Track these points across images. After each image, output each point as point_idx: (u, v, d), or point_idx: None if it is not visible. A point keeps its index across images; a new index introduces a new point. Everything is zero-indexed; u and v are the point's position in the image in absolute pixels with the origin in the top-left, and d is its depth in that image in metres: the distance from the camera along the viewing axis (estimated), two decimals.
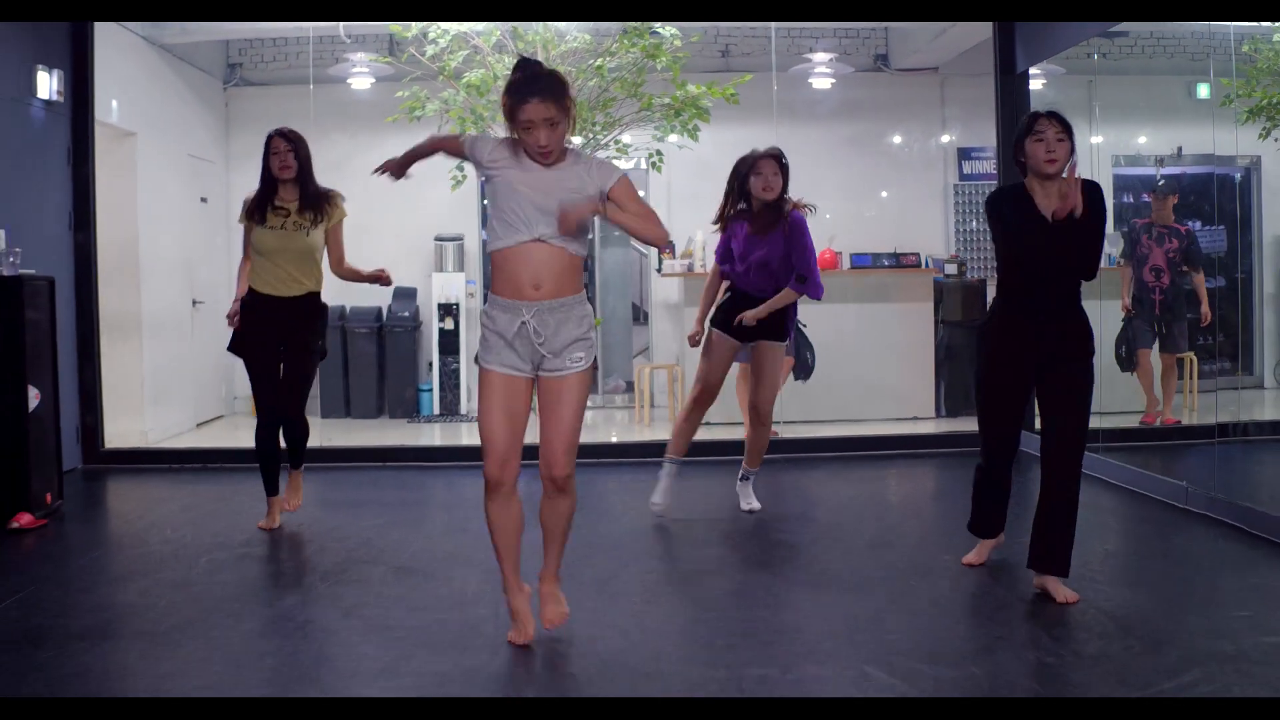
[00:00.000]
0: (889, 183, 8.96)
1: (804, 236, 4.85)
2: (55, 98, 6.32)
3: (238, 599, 3.91)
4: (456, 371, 8.59)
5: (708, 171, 8.16)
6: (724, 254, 5.00)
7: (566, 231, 3.14)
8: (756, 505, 5.15)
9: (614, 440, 7.63)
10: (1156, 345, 6.96)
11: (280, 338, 4.84)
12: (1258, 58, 5.78)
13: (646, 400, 8.16)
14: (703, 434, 7.01)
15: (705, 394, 4.99)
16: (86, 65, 6.61)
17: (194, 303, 8.24)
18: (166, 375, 7.73)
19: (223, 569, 4.28)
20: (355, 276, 4.99)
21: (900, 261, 8.06)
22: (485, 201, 3.22)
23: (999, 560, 4.15)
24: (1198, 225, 7.31)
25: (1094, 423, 6.39)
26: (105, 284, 6.86)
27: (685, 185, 8.41)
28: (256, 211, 4.87)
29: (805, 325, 7.47)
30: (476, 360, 3.32)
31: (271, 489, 4.99)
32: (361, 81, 8.23)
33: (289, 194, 4.86)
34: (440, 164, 8.25)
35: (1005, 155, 6.87)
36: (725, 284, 5.09)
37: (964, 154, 9.01)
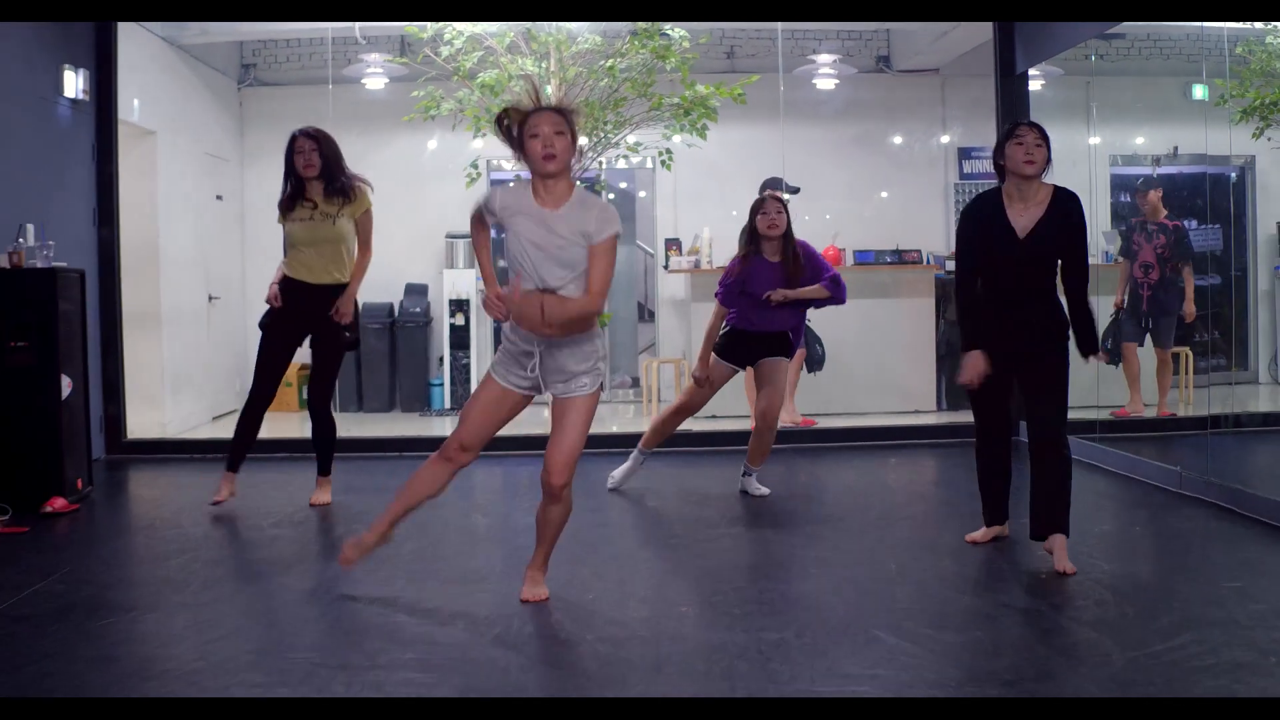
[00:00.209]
0: (891, 181, 9.14)
1: (818, 260, 5.27)
2: (81, 97, 6.50)
3: (274, 574, 4.09)
4: (467, 366, 8.76)
5: (714, 170, 8.39)
6: (731, 294, 5.24)
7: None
8: (765, 490, 5.35)
9: (627, 430, 7.79)
10: (1149, 341, 7.12)
11: (307, 328, 5.07)
12: (1251, 59, 5.94)
13: (655, 394, 8.33)
14: (711, 425, 7.25)
15: (688, 407, 5.37)
16: (111, 65, 6.79)
17: (210, 298, 8.41)
18: (184, 369, 7.90)
19: (256, 548, 4.46)
20: (357, 274, 5.14)
21: (903, 258, 8.24)
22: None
23: (999, 540, 4.33)
24: (1193, 224, 7.48)
25: (1091, 414, 6.60)
26: (126, 278, 7.04)
27: (692, 183, 8.60)
28: (286, 205, 5.08)
29: (810, 320, 7.65)
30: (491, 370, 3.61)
31: (232, 466, 5.20)
32: (375, 81, 8.41)
33: (315, 190, 5.06)
34: (452, 162, 8.53)
35: None
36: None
37: (964, 153, 9.19)
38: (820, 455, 6.67)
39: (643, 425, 7.98)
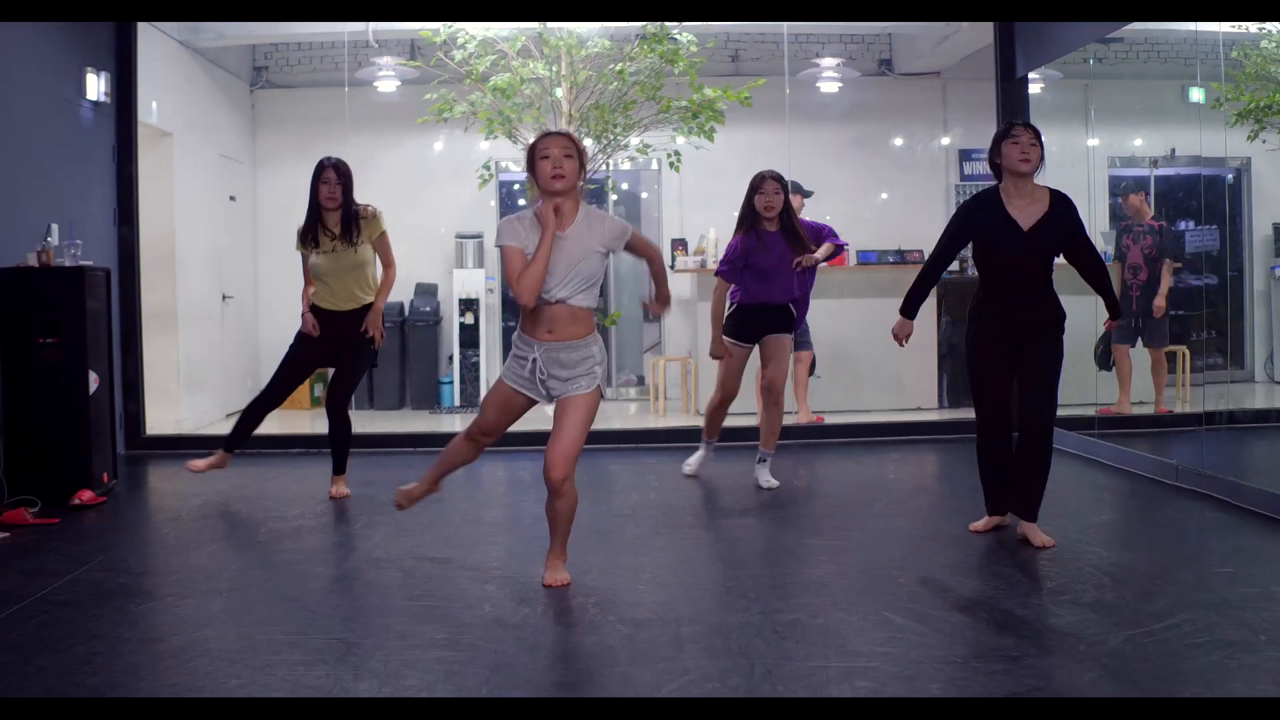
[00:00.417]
0: (893, 183, 9.30)
1: (811, 223, 5.97)
2: (103, 99, 6.65)
3: (303, 562, 4.25)
4: (476, 365, 8.91)
5: (720, 172, 8.52)
6: (735, 270, 5.44)
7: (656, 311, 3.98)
8: (774, 482, 5.52)
9: (631, 427, 7.94)
10: (1139, 342, 7.25)
11: (332, 350, 5.39)
12: (1246, 63, 6.08)
13: (662, 392, 8.48)
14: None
15: (726, 397, 5.63)
16: (131, 68, 6.95)
17: (224, 297, 8.56)
18: (199, 366, 8.05)
19: (283, 538, 4.61)
20: (383, 292, 5.43)
21: (904, 259, 8.38)
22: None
23: (1002, 529, 4.49)
24: (1190, 225, 7.62)
25: (1089, 410, 6.75)
26: (144, 277, 7.19)
27: (698, 185, 8.75)
28: (309, 237, 5.34)
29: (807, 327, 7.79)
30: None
31: (229, 446, 5.52)
32: (388, 84, 8.56)
33: (332, 221, 5.34)
34: (461, 164, 8.69)
35: None
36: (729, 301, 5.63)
37: (965, 155, 9.35)
38: (825, 450, 6.83)
39: (647, 423, 8.17)
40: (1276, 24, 5.88)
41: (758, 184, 5.42)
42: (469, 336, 8.90)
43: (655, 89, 7.24)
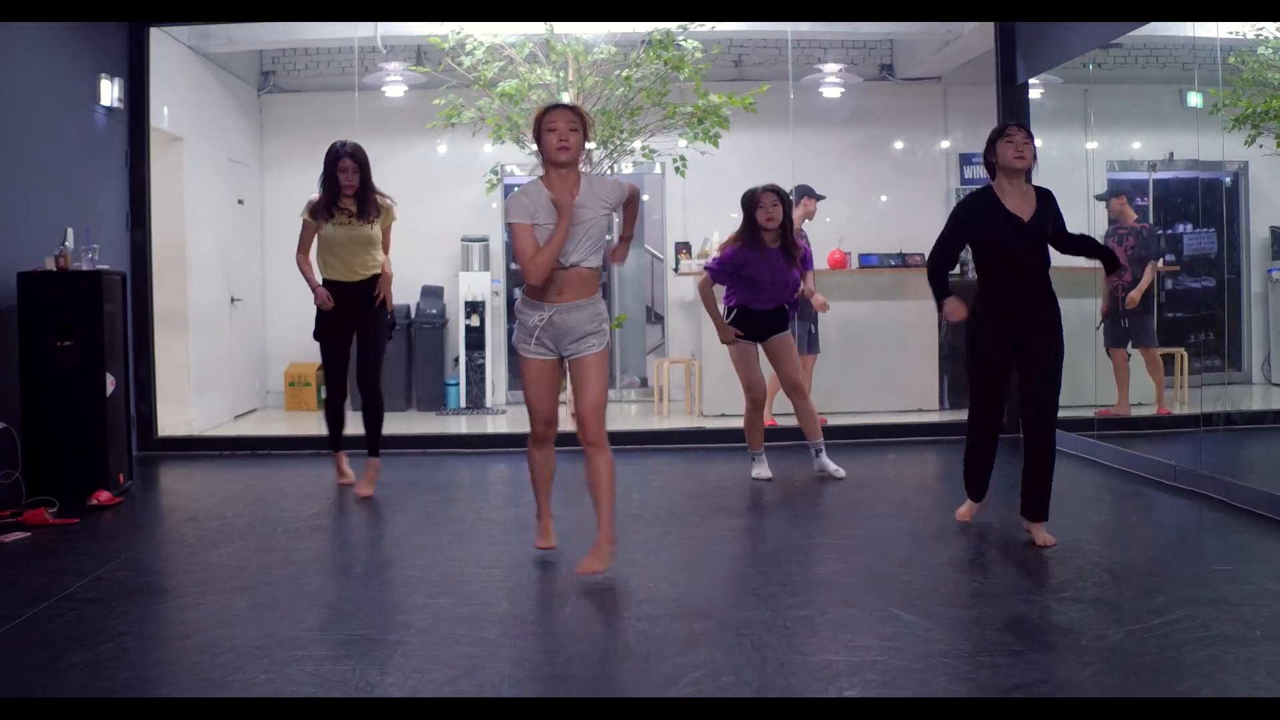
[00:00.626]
0: (895, 186, 9.40)
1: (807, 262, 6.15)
2: (116, 105, 6.75)
3: (322, 560, 4.35)
4: (482, 367, 9.00)
5: (723, 176, 8.61)
6: (724, 274, 5.70)
7: (615, 260, 4.04)
8: (841, 472, 5.86)
9: (633, 428, 8.03)
10: (1142, 343, 7.34)
11: (351, 321, 5.55)
12: (1243, 69, 6.16)
13: (665, 394, 8.57)
14: (721, 423, 7.50)
15: (756, 400, 5.82)
16: (144, 74, 7.05)
17: (232, 300, 8.65)
18: (208, 368, 8.14)
19: (301, 537, 4.70)
20: (388, 265, 5.66)
21: (906, 261, 8.47)
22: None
23: (1002, 526, 4.60)
24: (1188, 228, 7.71)
25: (1088, 412, 6.85)
26: (155, 281, 7.27)
27: (702, 189, 8.84)
28: (324, 212, 5.50)
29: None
30: (514, 346, 4.05)
31: (336, 445, 5.86)
32: (395, 89, 8.65)
33: (349, 202, 5.54)
34: (467, 168, 8.78)
35: None
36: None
37: (965, 159, 9.44)
38: (828, 451, 6.90)
39: (651, 424, 8.26)
40: (1273, 31, 5.97)
41: (756, 198, 5.59)
42: (475, 339, 8.99)
43: (661, 95, 7.34)
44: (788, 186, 7.94)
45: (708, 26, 7.35)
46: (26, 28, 5.71)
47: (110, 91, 6.67)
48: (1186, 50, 6.47)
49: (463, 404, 8.99)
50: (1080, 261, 7.90)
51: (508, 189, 9.17)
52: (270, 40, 8.57)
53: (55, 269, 5.49)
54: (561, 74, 7.31)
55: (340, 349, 5.63)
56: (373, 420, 5.65)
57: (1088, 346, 7.30)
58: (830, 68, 8.94)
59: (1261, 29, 6.00)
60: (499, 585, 3.91)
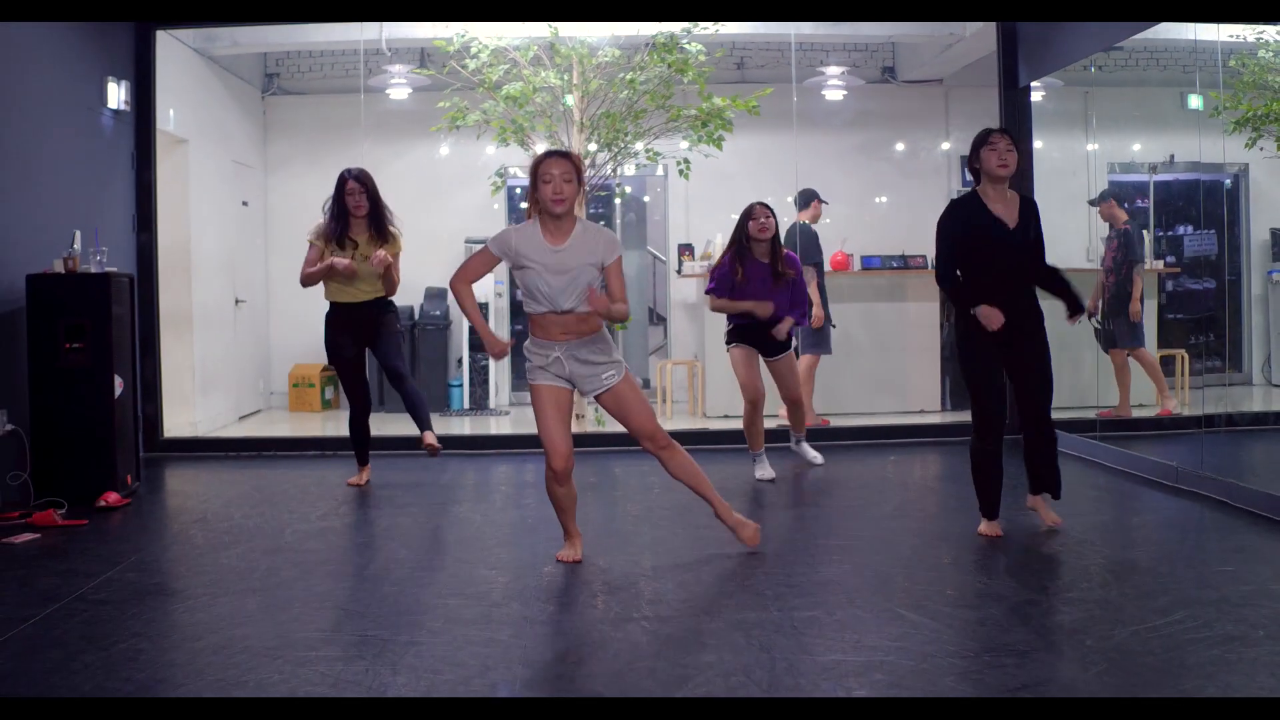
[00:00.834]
0: (896, 188, 9.43)
1: (800, 280, 5.91)
2: (123, 107, 6.78)
3: (331, 561, 4.38)
4: (486, 368, 9.04)
5: (725, 179, 8.67)
6: (724, 289, 5.82)
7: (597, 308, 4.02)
8: (820, 458, 6.12)
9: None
10: (1140, 345, 7.38)
11: (361, 337, 5.74)
12: (1244, 72, 6.20)
13: (669, 395, 8.61)
14: (725, 424, 7.54)
15: (754, 401, 5.90)
16: (150, 76, 7.08)
17: (236, 301, 8.69)
18: (213, 370, 8.17)
19: (310, 538, 4.74)
20: (388, 277, 5.78)
21: (908, 263, 8.51)
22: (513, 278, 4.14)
23: (1005, 528, 4.62)
24: (1189, 230, 7.74)
25: (1090, 413, 6.88)
26: (161, 282, 7.31)
27: (704, 191, 8.87)
28: (333, 240, 5.65)
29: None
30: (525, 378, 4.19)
31: (361, 460, 5.97)
32: (399, 91, 8.69)
33: (359, 229, 5.69)
34: (470, 170, 8.81)
35: None
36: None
37: (967, 161, 9.46)
38: (831, 453, 6.93)
39: (662, 425, 8.28)
40: (1274, 34, 6.01)
41: (749, 210, 5.76)
42: (478, 340, 9.00)
43: (665, 98, 7.37)
44: (790, 189, 8.03)
45: (711, 29, 7.38)
46: (34, 31, 5.74)
47: (117, 94, 6.70)
48: (1187, 53, 6.51)
49: (466, 405, 9.02)
50: (1078, 262, 8.03)
51: (512, 191, 9.21)
52: (275, 43, 8.61)
53: (64, 271, 5.52)
54: (566, 77, 7.34)
55: (356, 363, 5.81)
56: (416, 409, 5.86)
57: (1090, 347, 7.34)
58: (832, 70, 8.98)
59: (1262, 32, 6.03)
60: (508, 586, 3.94)
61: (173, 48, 7.56)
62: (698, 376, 8.50)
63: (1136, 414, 7.27)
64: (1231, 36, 6.00)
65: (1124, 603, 3.61)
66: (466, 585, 3.96)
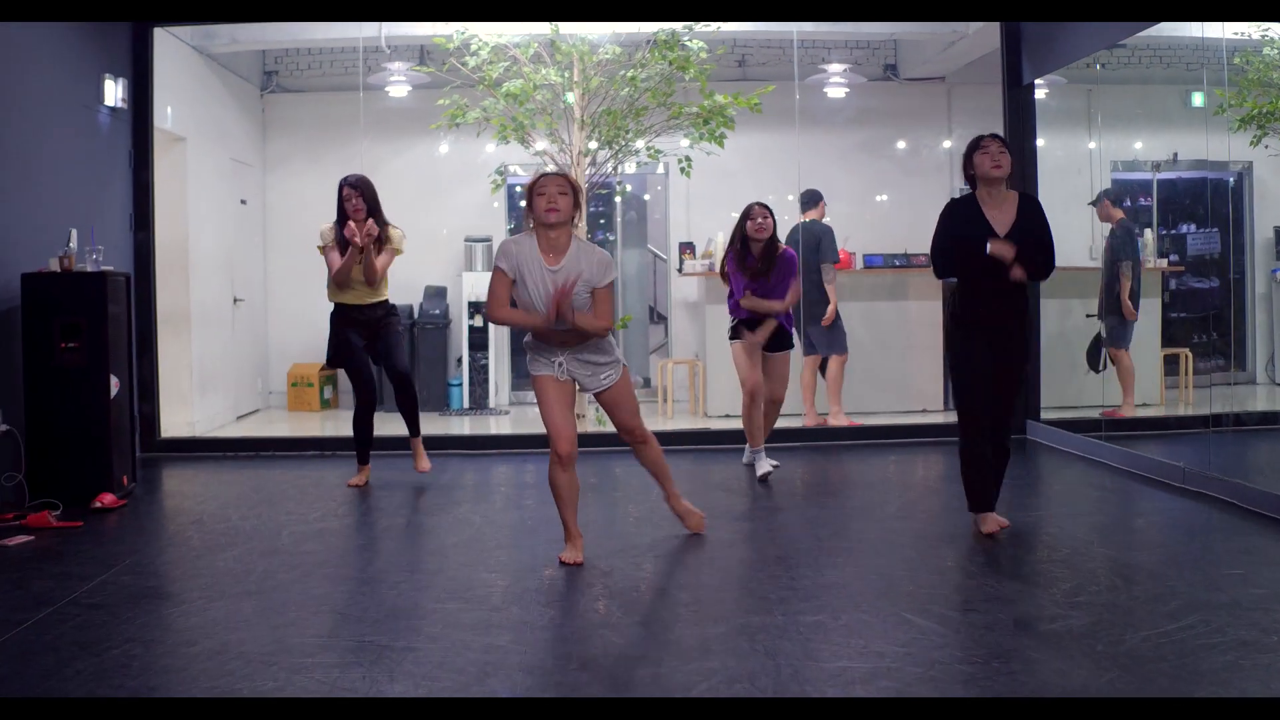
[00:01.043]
0: (898, 186, 9.38)
1: (792, 272, 5.93)
2: (120, 105, 6.72)
3: (329, 563, 4.32)
4: (485, 367, 8.98)
5: (726, 177, 8.61)
6: (742, 289, 5.89)
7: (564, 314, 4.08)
8: (768, 466, 5.90)
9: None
10: (1141, 343, 7.32)
11: (365, 337, 5.82)
12: (1248, 69, 6.16)
13: (670, 394, 8.55)
14: (726, 424, 7.48)
15: (753, 392, 5.90)
16: (147, 74, 7.02)
17: (235, 300, 8.63)
18: (211, 369, 8.11)
19: (307, 540, 4.68)
20: (374, 265, 5.78)
21: (910, 262, 8.45)
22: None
23: (1012, 528, 4.58)
24: (1192, 228, 7.69)
25: (1093, 412, 6.83)
26: (159, 281, 7.25)
27: (706, 189, 8.82)
28: (338, 245, 5.75)
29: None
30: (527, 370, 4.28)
31: (362, 459, 5.96)
32: (399, 89, 8.63)
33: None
34: (470, 168, 8.75)
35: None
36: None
37: (962, 170, 9.41)
38: (833, 453, 6.91)
39: (654, 425, 8.18)
40: (1279, 31, 5.96)
41: (747, 210, 5.85)
42: (478, 339, 8.97)
43: (666, 95, 7.31)
44: (792, 186, 7.98)
45: (713, 26, 7.32)
46: (30, 28, 5.68)
47: (114, 92, 6.64)
48: (1191, 50, 6.46)
49: (466, 404, 8.96)
50: (1080, 261, 7.97)
51: (512, 189, 9.15)
52: (274, 40, 8.55)
53: (60, 270, 5.46)
54: (566, 74, 7.28)
55: (361, 361, 5.86)
56: (410, 412, 5.99)
57: (1081, 347, 7.30)
58: (834, 68, 8.93)
59: (1268, 29, 5.98)
60: (508, 590, 3.88)
61: (170, 45, 7.50)
62: (699, 376, 8.45)
63: (1141, 413, 7.22)
64: (1236, 34, 5.96)
65: (1133, 606, 3.56)
66: (465, 589, 3.90)
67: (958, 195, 9.42)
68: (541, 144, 7.41)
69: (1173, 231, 7.94)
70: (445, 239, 9.13)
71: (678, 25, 7.22)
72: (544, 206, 4.00)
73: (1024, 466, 6.25)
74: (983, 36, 7.85)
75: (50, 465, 5.37)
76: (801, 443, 7.13)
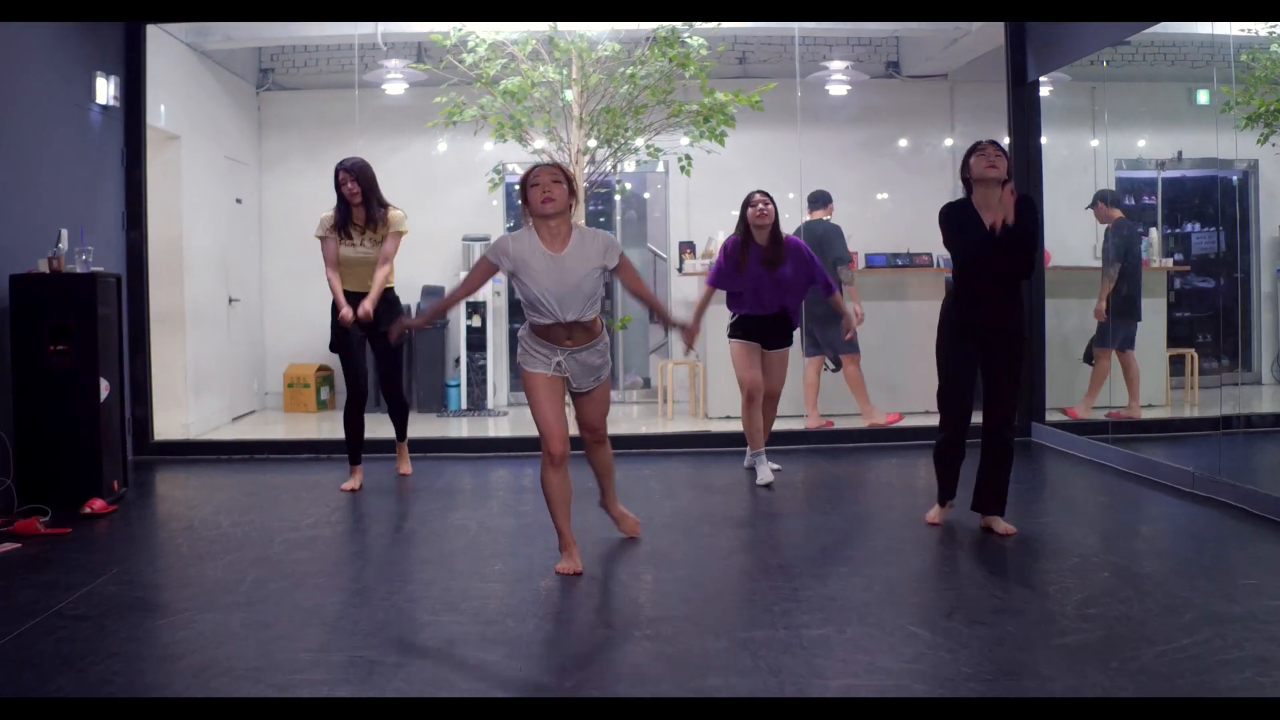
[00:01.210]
0: (900, 185, 9.28)
1: (810, 255, 5.85)
2: (112, 103, 6.62)
3: (319, 574, 4.22)
4: (484, 368, 8.89)
5: (727, 175, 8.51)
6: (724, 278, 5.85)
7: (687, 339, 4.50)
8: (769, 477, 5.77)
9: (637, 432, 7.91)
10: (1142, 344, 7.24)
11: (365, 328, 5.72)
12: (1255, 66, 6.08)
13: (670, 396, 8.45)
14: (726, 426, 7.39)
15: (751, 392, 5.79)
16: (140, 72, 6.92)
17: (230, 300, 8.53)
18: (205, 370, 8.01)
19: (299, 548, 4.58)
20: (377, 284, 5.73)
21: (913, 261, 8.35)
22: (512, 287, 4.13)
23: (1018, 537, 4.49)
24: (1197, 227, 7.61)
25: (1099, 414, 6.73)
26: (151, 280, 7.15)
27: (706, 187, 8.72)
28: (340, 230, 5.71)
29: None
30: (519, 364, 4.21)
31: (354, 459, 5.91)
32: (395, 87, 8.53)
33: (359, 216, 5.72)
34: (467, 166, 8.65)
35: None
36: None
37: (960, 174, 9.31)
38: (834, 455, 6.81)
39: (654, 427, 8.14)
40: None
41: (748, 198, 5.75)
42: (476, 339, 8.88)
43: (666, 92, 7.21)
44: (794, 184, 7.88)
45: (713, 24, 7.22)
46: (20, 25, 5.58)
47: (106, 89, 6.54)
48: (1197, 48, 6.40)
49: (464, 406, 8.87)
50: (1082, 260, 7.88)
51: (509, 187, 9.05)
52: (269, 37, 8.45)
53: (49, 271, 5.36)
54: (565, 71, 7.18)
55: (359, 353, 5.84)
56: (399, 420, 6.08)
57: (1080, 347, 7.21)
58: (836, 65, 8.83)
59: (1274, 27, 5.90)
60: (503, 601, 3.79)
61: (164, 42, 7.39)
62: (699, 377, 8.35)
63: (1147, 415, 7.14)
64: (1243, 31, 5.90)
65: (1146, 619, 3.45)
66: (460, 600, 3.80)
67: (960, 192, 9.44)
68: (540, 142, 7.32)
69: (1177, 230, 7.86)
70: (442, 238, 9.02)
71: (678, 22, 7.12)
72: (539, 197, 3.96)
73: (1030, 470, 6.15)
74: (986, 33, 7.76)
75: (39, 471, 5.27)
76: (803, 445, 7.03)
